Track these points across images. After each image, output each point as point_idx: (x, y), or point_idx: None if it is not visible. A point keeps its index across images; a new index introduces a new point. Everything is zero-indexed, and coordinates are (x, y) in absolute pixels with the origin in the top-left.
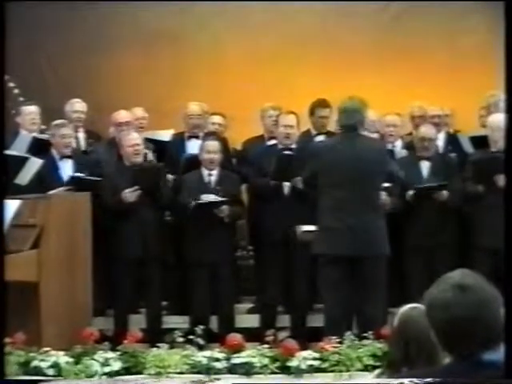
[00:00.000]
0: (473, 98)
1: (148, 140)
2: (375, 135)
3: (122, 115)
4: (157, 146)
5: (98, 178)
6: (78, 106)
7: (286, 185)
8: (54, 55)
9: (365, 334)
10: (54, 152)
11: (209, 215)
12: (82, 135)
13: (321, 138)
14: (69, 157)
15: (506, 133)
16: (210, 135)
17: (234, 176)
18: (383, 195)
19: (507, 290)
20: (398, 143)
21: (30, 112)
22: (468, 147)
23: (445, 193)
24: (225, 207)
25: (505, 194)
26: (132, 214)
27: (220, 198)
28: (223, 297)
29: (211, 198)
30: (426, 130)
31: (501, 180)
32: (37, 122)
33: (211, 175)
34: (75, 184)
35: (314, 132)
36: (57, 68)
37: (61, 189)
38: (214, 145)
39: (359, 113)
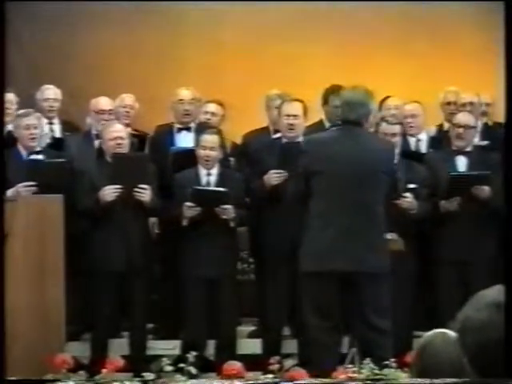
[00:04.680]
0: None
1: (132, 136)
2: (397, 127)
3: (104, 102)
4: (140, 140)
5: (61, 160)
6: (49, 93)
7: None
8: (23, 33)
9: (386, 362)
10: (20, 147)
11: (210, 217)
12: (57, 127)
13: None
14: (38, 152)
15: (506, 132)
16: (205, 127)
17: (237, 176)
18: (409, 198)
19: (507, 290)
20: (423, 136)
21: (5, 100)
22: None
23: (486, 189)
24: (230, 208)
25: (505, 195)
26: (113, 218)
27: (223, 189)
28: (224, 318)
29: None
30: (463, 116)
31: None
32: (11, 112)
33: (210, 175)
34: (33, 170)
35: (327, 124)
36: (26, 48)
37: (20, 185)
38: (210, 139)
39: (364, 105)
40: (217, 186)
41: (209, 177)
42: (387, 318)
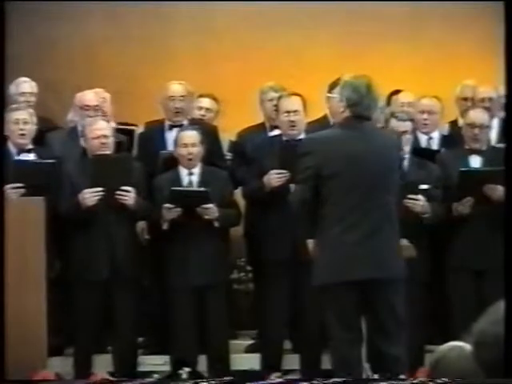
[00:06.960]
0: None
1: (118, 130)
2: (408, 124)
3: (89, 97)
4: (128, 134)
5: (50, 161)
6: (25, 86)
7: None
8: None
9: (399, 378)
10: (10, 145)
11: (193, 219)
12: None
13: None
14: (29, 150)
15: (506, 132)
16: (192, 123)
17: (221, 173)
18: (422, 200)
19: (507, 290)
20: (435, 134)
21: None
22: None
23: (499, 188)
24: (212, 207)
25: (505, 196)
26: (96, 223)
27: (203, 189)
28: (214, 331)
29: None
30: (476, 114)
31: None
32: None
33: (192, 174)
34: (21, 171)
35: (332, 120)
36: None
37: (7, 187)
38: (191, 136)
39: (370, 97)
40: (200, 186)
41: (190, 176)
42: (404, 330)
